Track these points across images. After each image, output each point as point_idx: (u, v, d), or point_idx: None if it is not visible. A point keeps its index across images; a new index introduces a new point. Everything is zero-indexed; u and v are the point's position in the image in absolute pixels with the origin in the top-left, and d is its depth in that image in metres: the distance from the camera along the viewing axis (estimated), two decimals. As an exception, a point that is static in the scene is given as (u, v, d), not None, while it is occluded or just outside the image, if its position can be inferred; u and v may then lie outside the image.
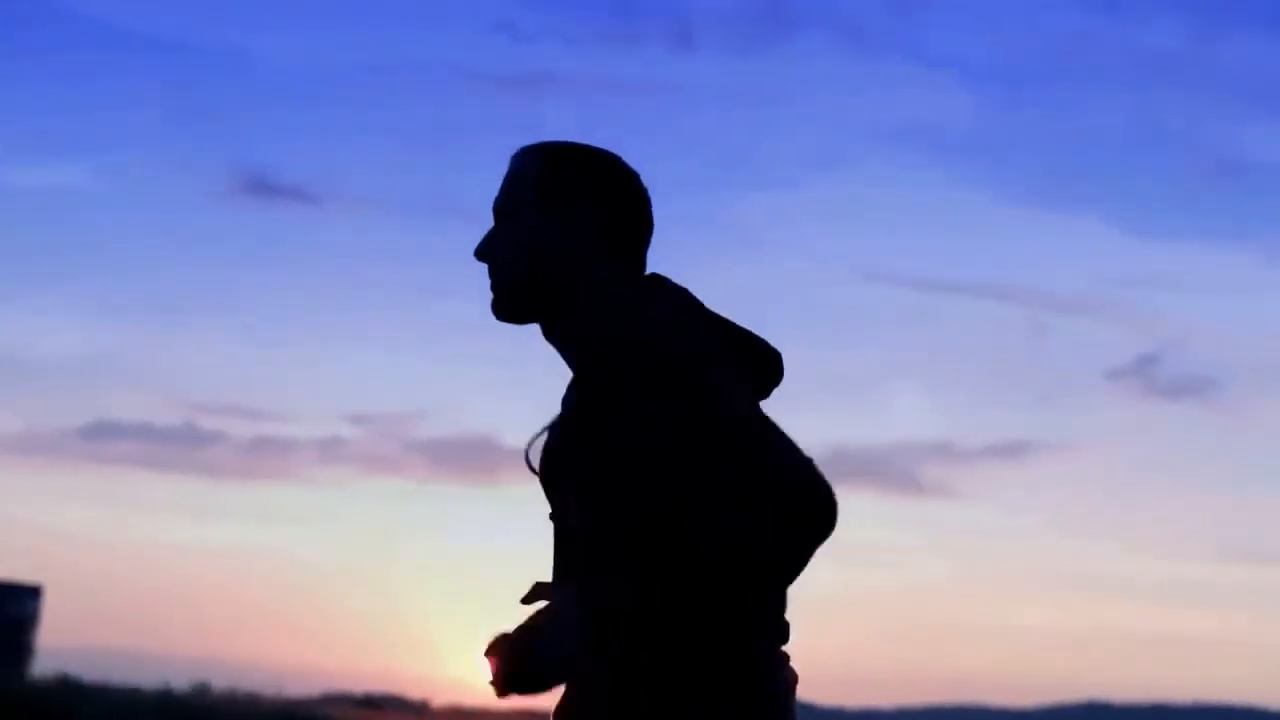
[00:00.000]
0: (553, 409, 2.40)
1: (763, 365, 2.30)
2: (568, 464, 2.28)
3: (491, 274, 2.41)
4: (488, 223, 2.43)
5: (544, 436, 2.37)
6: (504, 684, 2.15)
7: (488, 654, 2.16)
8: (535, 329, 2.41)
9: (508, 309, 2.40)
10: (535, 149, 2.41)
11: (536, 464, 2.37)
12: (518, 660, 2.13)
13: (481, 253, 2.41)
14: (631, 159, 2.44)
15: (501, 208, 2.41)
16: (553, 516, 2.34)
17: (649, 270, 2.40)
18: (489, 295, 2.41)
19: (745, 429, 2.12)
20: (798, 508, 2.06)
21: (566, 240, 2.35)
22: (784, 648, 2.23)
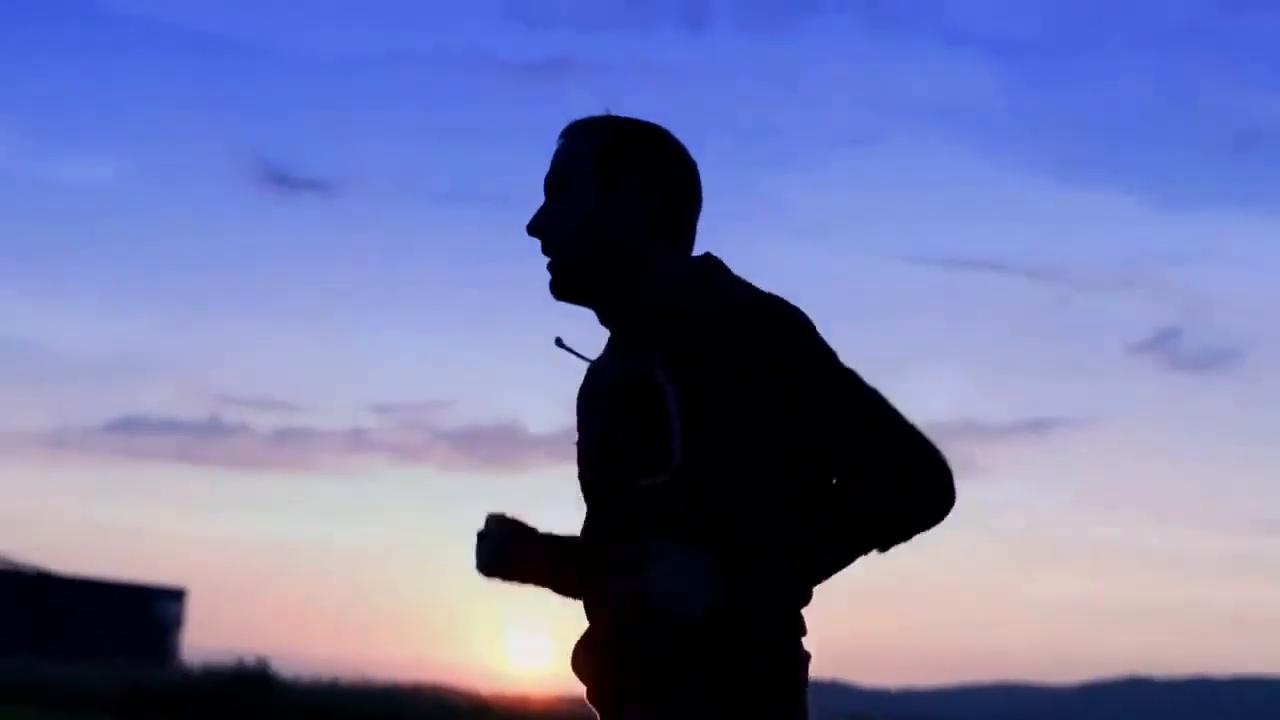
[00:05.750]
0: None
1: None
2: (644, 429, 2.22)
3: (548, 252, 2.32)
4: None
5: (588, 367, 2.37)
6: (488, 564, 2.20)
7: (483, 534, 2.21)
8: (576, 313, 2.36)
9: (569, 289, 2.33)
10: (589, 123, 2.34)
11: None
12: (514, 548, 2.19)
13: (535, 228, 2.33)
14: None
15: (555, 183, 2.33)
16: (586, 478, 2.33)
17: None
18: (545, 276, 2.33)
19: (875, 397, 2.19)
20: (932, 477, 2.17)
21: (627, 217, 2.29)
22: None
